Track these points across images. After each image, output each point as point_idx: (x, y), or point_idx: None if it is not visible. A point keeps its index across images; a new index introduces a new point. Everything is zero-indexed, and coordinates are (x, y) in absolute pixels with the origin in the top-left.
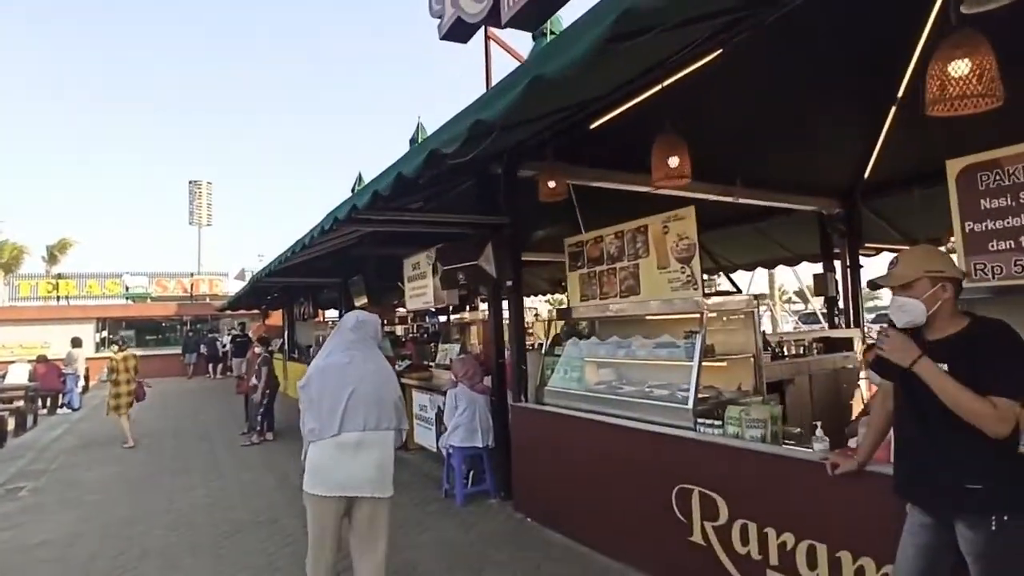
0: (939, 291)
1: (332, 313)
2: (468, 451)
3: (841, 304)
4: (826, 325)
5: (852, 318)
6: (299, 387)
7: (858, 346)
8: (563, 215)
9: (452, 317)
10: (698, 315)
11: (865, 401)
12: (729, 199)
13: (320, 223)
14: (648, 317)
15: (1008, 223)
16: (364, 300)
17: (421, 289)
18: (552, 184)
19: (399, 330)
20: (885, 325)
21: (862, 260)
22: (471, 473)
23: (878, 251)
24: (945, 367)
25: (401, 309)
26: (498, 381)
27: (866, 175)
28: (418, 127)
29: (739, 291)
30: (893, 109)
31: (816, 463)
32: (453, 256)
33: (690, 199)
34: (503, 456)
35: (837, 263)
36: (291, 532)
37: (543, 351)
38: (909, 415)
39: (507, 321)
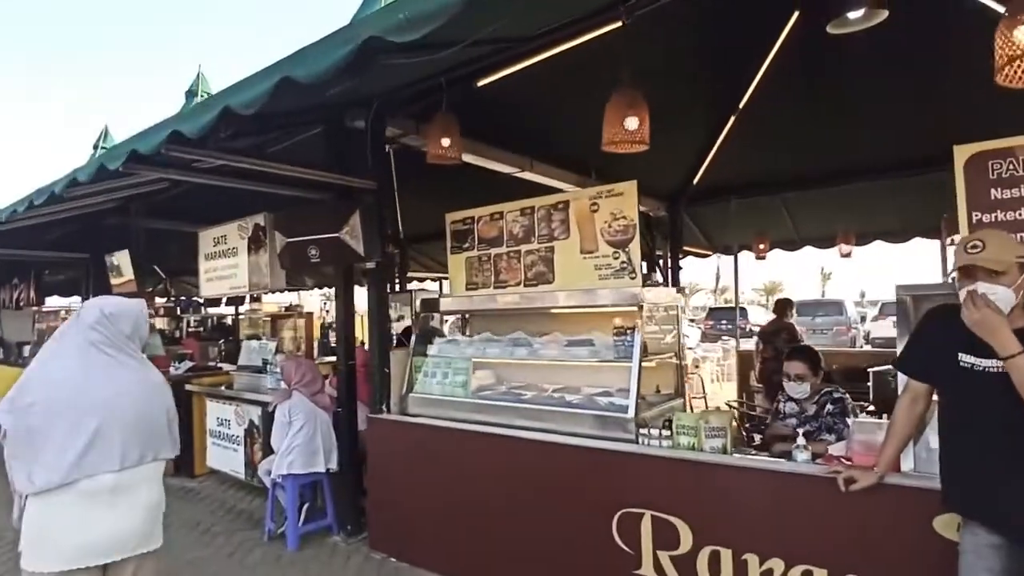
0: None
1: (66, 301)
2: (307, 479)
3: None
4: None
5: None
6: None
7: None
8: (441, 186)
9: (245, 308)
10: (634, 308)
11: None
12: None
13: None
14: (562, 310)
15: (1020, 215)
16: (125, 280)
17: (229, 270)
18: (446, 141)
19: (159, 323)
20: (979, 292)
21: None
22: (304, 507)
23: (685, 254)
24: None
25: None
26: (346, 388)
27: (695, 181)
28: (199, 77)
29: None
30: (732, 119)
31: (819, 478)
32: (301, 227)
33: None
34: (351, 481)
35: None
36: None
37: (411, 350)
38: (965, 419)
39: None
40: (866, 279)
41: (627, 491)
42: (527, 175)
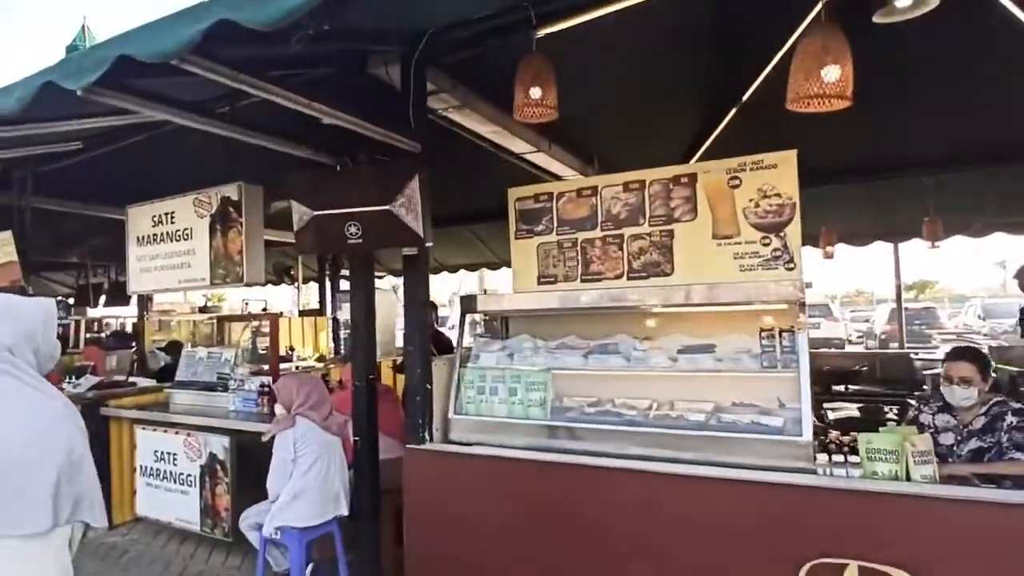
0: None
1: None
2: (319, 531)
3: None
4: None
5: None
6: None
7: None
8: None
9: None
10: (790, 306)
11: None
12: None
13: None
14: (678, 310)
15: None
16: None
17: (179, 258)
18: (537, 92)
19: None
20: None
21: None
22: (310, 567)
23: None
24: None
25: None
26: (366, 410)
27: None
28: (83, 30)
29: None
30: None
31: None
32: (334, 197)
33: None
34: (373, 531)
35: None
36: None
37: (456, 359)
38: None
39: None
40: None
41: (819, 536)
42: (535, 157)
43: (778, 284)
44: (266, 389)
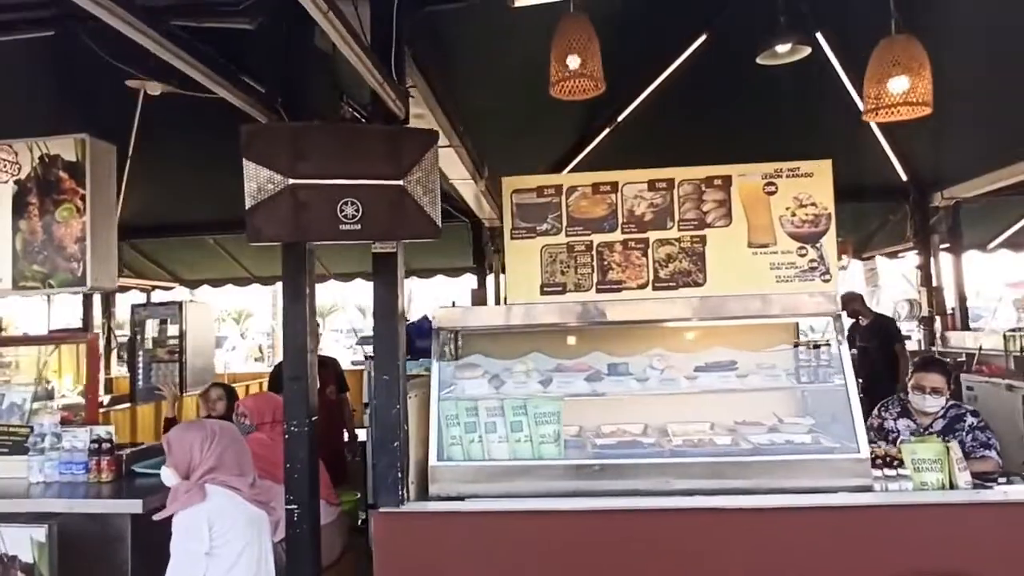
0: None
1: None
2: None
3: None
4: None
5: None
6: None
7: None
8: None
9: None
10: (828, 317)
11: None
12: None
13: None
14: (710, 324)
15: None
16: None
17: None
18: (575, 61)
19: None
20: None
21: None
22: None
23: None
24: None
25: None
26: (308, 467)
27: None
28: None
29: None
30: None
31: None
32: (323, 159)
33: None
34: None
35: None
36: None
37: (435, 388)
38: None
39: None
40: None
41: (889, 558)
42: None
43: (816, 296)
44: (106, 445)
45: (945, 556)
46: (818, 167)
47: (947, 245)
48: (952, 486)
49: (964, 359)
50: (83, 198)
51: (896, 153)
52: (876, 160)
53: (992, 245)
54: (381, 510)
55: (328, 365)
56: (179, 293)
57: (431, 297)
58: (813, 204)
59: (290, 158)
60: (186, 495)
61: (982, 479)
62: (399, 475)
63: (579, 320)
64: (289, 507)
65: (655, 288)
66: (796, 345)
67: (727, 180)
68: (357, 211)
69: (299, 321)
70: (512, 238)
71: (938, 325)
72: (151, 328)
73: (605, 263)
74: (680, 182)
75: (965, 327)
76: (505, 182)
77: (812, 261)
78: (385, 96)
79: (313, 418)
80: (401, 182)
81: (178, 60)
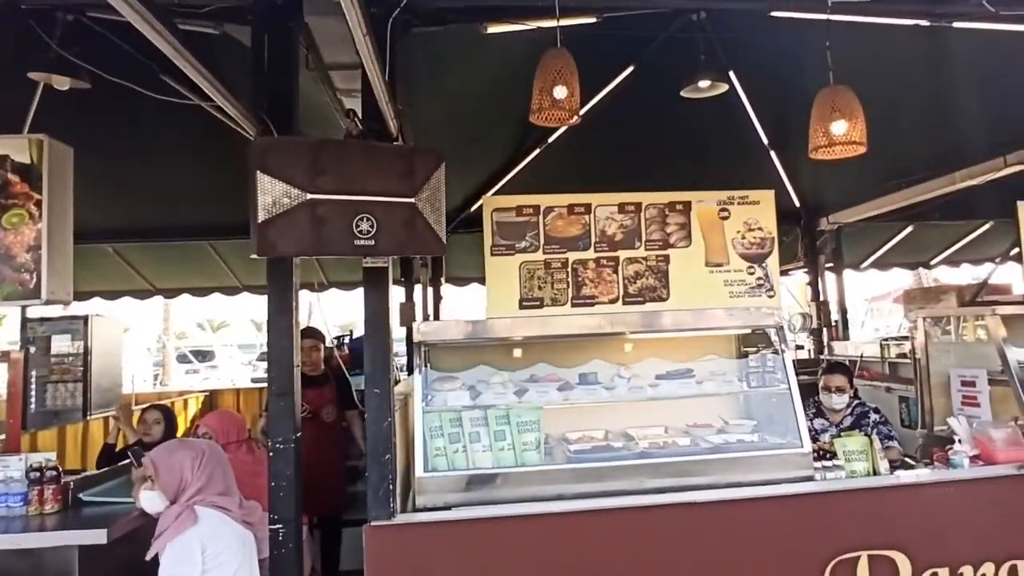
0: None
1: None
2: None
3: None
4: None
5: None
6: None
7: None
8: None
9: None
10: (772, 329)
11: None
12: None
13: None
14: (665, 335)
15: None
16: None
17: None
18: (562, 91)
19: None
20: None
21: None
22: None
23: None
24: None
25: None
26: (293, 485)
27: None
28: None
29: None
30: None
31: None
32: (341, 174)
33: None
34: None
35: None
36: None
37: (421, 402)
38: None
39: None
40: None
41: (833, 536)
42: None
43: (763, 310)
44: (50, 473)
45: (877, 530)
46: (764, 196)
47: (831, 264)
48: (876, 472)
49: (848, 365)
50: (38, 204)
51: (792, 182)
52: (775, 187)
53: (864, 265)
54: (372, 523)
55: (328, 382)
56: (83, 307)
57: (355, 310)
58: (760, 228)
59: (308, 173)
60: (177, 520)
61: (892, 465)
62: (391, 488)
63: (556, 332)
64: (274, 527)
65: (625, 303)
66: (746, 354)
67: (687, 205)
68: (372, 227)
69: (285, 336)
70: (492, 255)
71: (825, 336)
72: (55, 344)
73: (579, 279)
74: (646, 206)
75: (847, 337)
76: (485, 201)
77: (759, 279)
78: (388, 115)
79: (298, 435)
80: (413, 200)
81: (184, 63)
